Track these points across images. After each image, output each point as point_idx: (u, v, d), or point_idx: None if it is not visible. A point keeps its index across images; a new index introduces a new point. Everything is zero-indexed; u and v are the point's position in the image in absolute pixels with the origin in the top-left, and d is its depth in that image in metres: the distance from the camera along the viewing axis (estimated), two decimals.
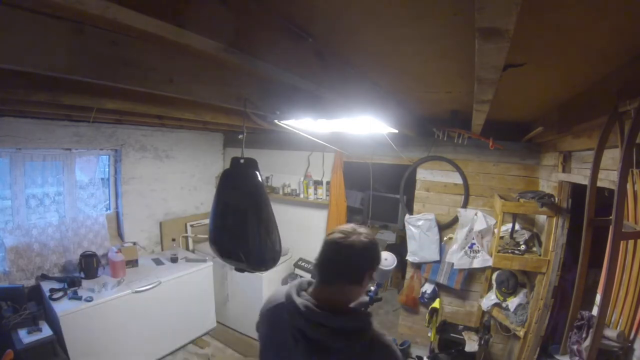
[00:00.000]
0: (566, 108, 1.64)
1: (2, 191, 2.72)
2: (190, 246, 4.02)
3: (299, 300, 0.92)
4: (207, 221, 4.02)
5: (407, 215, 3.15)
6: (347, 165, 3.59)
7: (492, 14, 0.53)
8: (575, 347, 1.37)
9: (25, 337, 2.22)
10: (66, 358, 2.35)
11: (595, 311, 1.37)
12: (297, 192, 3.85)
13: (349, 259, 0.93)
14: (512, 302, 2.51)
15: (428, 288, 3.07)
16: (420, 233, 2.99)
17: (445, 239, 3.04)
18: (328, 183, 3.66)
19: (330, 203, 3.59)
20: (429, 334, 2.92)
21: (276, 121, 1.83)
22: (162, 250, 3.79)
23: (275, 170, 4.05)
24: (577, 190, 2.11)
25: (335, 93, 1.24)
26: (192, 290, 3.35)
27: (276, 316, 1.01)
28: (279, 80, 1.47)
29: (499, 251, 2.42)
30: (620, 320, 1.32)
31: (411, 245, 3.09)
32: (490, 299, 2.65)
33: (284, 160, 3.99)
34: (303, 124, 1.90)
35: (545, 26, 0.81)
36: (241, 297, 3.62)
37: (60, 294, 2.57)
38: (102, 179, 3.40)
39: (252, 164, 1.38)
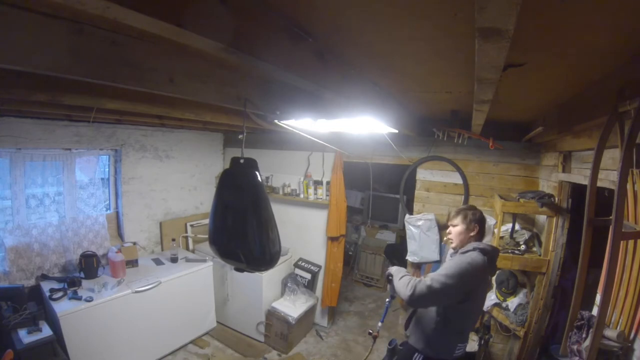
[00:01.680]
0: (566, 108, 1.64)
1: (2, 191, 2.72)
2: (190, 246, 4.02)
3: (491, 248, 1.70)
4: (207, 221, 4.01)
5: (407, 215, 3.15)
6: (347, 165, 3.59)
7: (492, 14, 0.53)
8: (575, 347, 1.37)
9: (25, 337, 2.22)
10: (66, 358, 2.35)
11: (595, 311, 1.37)
12: (297, 192, 3.84)
13: None
14: (512, 302, 2.51)
15: None
16: (420, 233, 2.99)
17: (445, 239, 3.04)
18: (328, 183, 3.66)
19: (330, 203, 3.59)
20: None
21: (276, 121, 1.83)
22: (162, 250, 3.79)
23: (275, 170, 4.05)
24: (577, 190, 2.11)
25: (335, 93, 1.24)
26: (192, 290, 3.35)
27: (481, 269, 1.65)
28: (279, 80, 1.47)
29: None
30: (620, 320, 1.32)
31: (411, 245, 3.09)
32: (490, 299, 2.65)
33: (284, 160, 3.99)
34: (303, 124, 1.90)
35: (545, 26, 0.81)
36: (241, 297, 3.62)
37: (60, 294, 2.57)
38: (102, 179, 3.40)
39: (251, 164, 1.38)
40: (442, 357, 1.74)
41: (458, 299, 1.59)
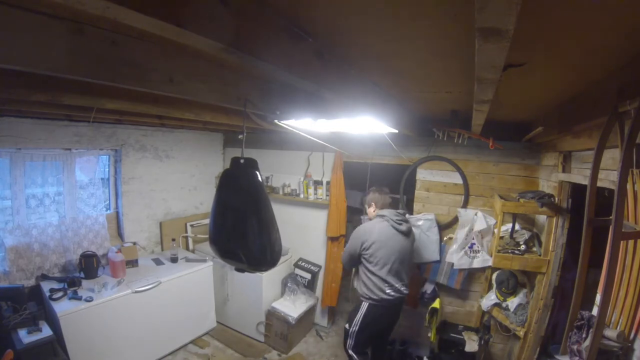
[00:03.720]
0: (566, 108, 1.64)
1: (2, 191, 2.72)
2: (190, 246, 4.02)
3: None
4: (207, 221, 4.00)
5: (407, 215, 3.14)
6: (347, 165, 3.59)
7: (492, 14, 0.53)
8: (575, 347, 1.37)
9: (25, 337, 2.22)
10: (66, 358, 2.35)
11: (595, 311, 1.38)
12: (297, 192, 3.84)
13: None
14: (512, 302, 2.51)
15: (428, 288, 3.07)
16: (420, 233, 2.99)
17: (445, 239, 3.04)
18: (328, 183, 3.65)
19: (330, 203, 3.58)
20: (429, 334, 2.92)
21: (276, 121, 1.83)
22: (162, 250, 3.79)
23: (275, 170, 4.04)
24: (577, 190, 2.12)
25: (335, 93, 1.24)
26: (192, 290, 3.35)
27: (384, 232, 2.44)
28: (279, 80, 1.47)
29: (499, 251, 2.42)
30: (620, 320, 1.32)
31: None
32: (490, 299, 2.65)
33: (284, 160, 3.99)
34: (303, 124, 1.90)
35: (545, 26, 0.81)
36: (241, 297, 3.62)
37: (60, 294, 2.57)
38: (102, 179, 3.39)
39: (252, 164, 1.38)
40: (376, 297, 2.40)
41: (360, 255, 2.43)
